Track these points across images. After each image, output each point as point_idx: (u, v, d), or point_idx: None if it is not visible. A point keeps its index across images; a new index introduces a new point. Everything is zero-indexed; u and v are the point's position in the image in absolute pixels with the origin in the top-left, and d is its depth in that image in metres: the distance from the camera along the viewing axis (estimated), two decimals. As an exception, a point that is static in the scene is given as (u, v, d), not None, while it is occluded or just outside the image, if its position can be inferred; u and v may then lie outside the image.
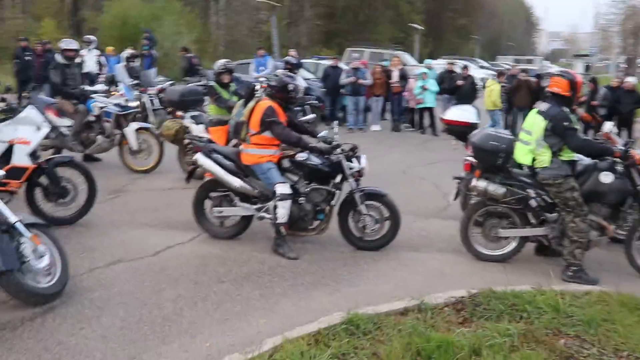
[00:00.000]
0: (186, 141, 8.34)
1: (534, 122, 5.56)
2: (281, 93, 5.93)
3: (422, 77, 14.46)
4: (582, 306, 4.38)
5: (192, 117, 8.55)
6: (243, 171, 5.95)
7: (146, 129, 9.06)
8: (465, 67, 15.76)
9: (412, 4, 48.42)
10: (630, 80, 14.11)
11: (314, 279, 5.22)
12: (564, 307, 4.30)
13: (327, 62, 16.77)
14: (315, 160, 5.87)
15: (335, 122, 6.46)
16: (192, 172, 6.35)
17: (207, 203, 6.20)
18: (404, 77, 14.89)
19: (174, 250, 5.80)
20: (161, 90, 11.41)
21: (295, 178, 5.92)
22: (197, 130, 8.29)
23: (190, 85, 12.55)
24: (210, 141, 6.34)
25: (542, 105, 5.59)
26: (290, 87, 5.95)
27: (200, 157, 5.97)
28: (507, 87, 14.36)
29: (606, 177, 5.45)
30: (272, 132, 5.76)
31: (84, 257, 5.44)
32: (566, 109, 5.42)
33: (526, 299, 4.39)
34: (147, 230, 6.40)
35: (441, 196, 8.65)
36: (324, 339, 3.78)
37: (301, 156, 5.89)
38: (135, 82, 11.29)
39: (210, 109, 8.17)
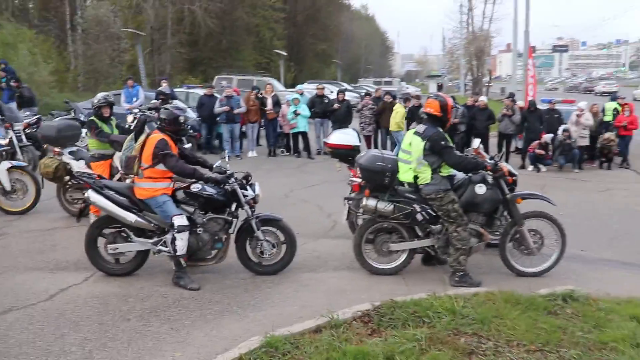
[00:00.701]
0: (67, 178, 8.07)
1: (413, 143, 6.06)
2: (172, 126, 5.96)
3: (295, 103, 14.91)
4: (474, 306, 4.87)
5: (71, 153, 8.25)
6: (137, 206, 5.90)
7: (20, 167, 8.59)
8: (341, 92, 16.38)
9: (273, 30, 49.33)
10: (483, 99, 15.55)
11: (220, 308, 5.29)
12: (459, 309, 4.75)
13: (198, 91, 16.80)
14: (210, 190, 5.96)
15: (226, 152, 6.60)
16: (83, 211, 6.18)
17: (100, 240, 6.06)
18: (277, 103, 15.25)
19: (69, 293, 5.60)
20: (27, 126, 10.85)
21: (190, 209, 5.96)
22: (78, 166, 8.03)
23: (65, 119, 12.04)
24: (100, 177, 6.21)
25: (419, 127, 6.11)
26: (181, 119, 6.01)
27: (91, 194, 5.84)
28: (375, 108, 15.16)
29: (480, 189, 6.07)
30: (166, 164, 5.78)
31: (-30, 309, 5.12)
32: (441, 130, 5.98)
33: (425, 306, 4.79)
34: (35, 274, 6.12)
35: (326, 217, 9.03)
36: (246, 363, 3.90)
37: (196, 187, 5.96)
38: (-1, 117, 10.66)
39: (90, 143, 7.95)
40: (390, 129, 14.91)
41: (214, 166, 6.17)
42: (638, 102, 31.46)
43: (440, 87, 56.58)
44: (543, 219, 6.44)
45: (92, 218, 7.76)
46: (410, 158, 6.11)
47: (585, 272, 6.80)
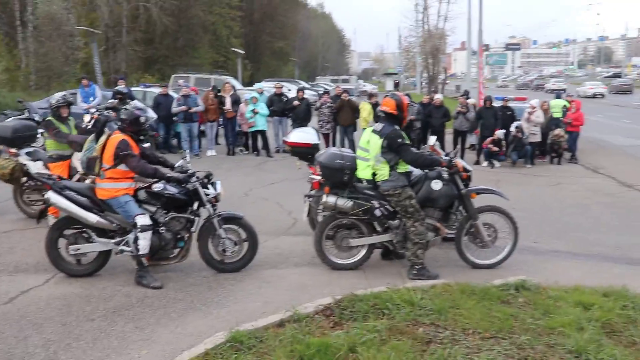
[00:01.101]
0: (24, 179, 7.98)
1: (371, 141, 6.23)
2: (133, 126, 5.98)
3: (253, 101, 14.95)
4: (432, 298, 5.07)
5: (28, 154, 8.13)
6: (99, 206, 5.91)
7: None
8: (300, 90, 16.47)
9: (230, 28, 49.10)
10: (439, 96, 15.90)
11: (184, 306, 5.36)
12: (417, 300, 4.94)
13: (155, 90, 16.67)
14: (171, 189, 6.00)
15: (187, 151, 6.64)
16: (42, 212, 6.15)
17: (61, 242, 6.03)
18: (236, 102, 15.26)
19: (30, 295, 5.57)
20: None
21: (152, 209, 6.00)
22: (35, 167, 7.93)
23: (21, 119, 11.80)
24: (60, 178, 6.18)
25: (377, 125, 6.28)
26: (142, 119, 6.04)
27: (52, 195, 5.81)
28: (333, 106, 15.32)
29: (436, 185, 6.28)
30: (128, 165, 5.80)
31: None
32: (397, 127, 6.16)
33: (385, 298, 4.97)
34: (-7, 277, 6.05)
35: (286, 214, 9.14)
36: (213, 358, 3.99)
37: (158, 186, 5.99)
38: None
39: (48, 144, 7.85)
40: (361, 126, 15.08)
41: (176, 166, 6.22)
42: (582, 99, 32.57)
43: (397, 85, 57.31)
44: (496, 213, 6.70)
45: (51, 219, 7.70)
46: (369, 155, 6.27)
47: (537, 263, 7.09)
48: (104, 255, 6.09)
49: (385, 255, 6.88)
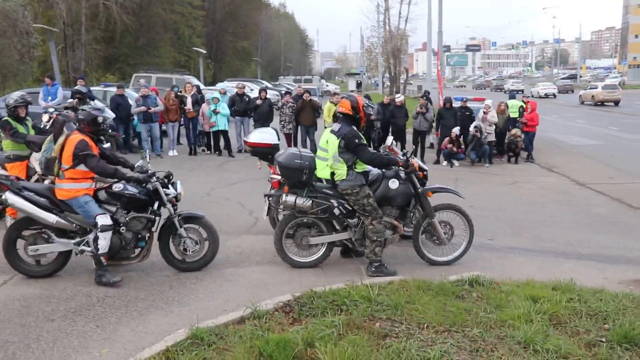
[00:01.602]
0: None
1: (329, 141, 6.35)
2: (91, 126, 5.97)
3: (214, 102, 14.94)
4: (388, 294, 5.21)
5: (-17, 155, 8.01)
6: (58, 206, 5.88)
7: None
8: (263, 90, 16.49)
9: (192, 28, 48.75)
10: (401, 97, 16.16)
11: (145, 304, 5.39)
12: (374, 297, 5.07)
13: (115, 90, 16.49)
14: (132, 189, 6.01)
15: (147, 151, 6.65)
16: (1, 213, 6.08)
17: (20, 242, 5.99)
18: (197, 102, 15.22)
19: (-13, 296, 5.53)
20: None
21: (113, 209, 5.99)
22: (-9, 168, 7.83)
23: None
24: (18, 178, 6.12)
25: (335, 126, 6.41)
26: (100, 119, 6.03)
27: (10, 196, 5.76)
28: (295, 106, 15.39)
29: (393, 184, 6.44)
30: (87, 165, 5.79)
31: None
32: (354, 128, 6.29)
33: (343, 295, 5.08)
34: (-52, 280, 5.97)
35: (248, 213, 9.21)
36: (173, 355, 4.04)
37: (118, 187, 5.99)
38: None
39: (5, 144, 7.75)
40: (326, 126, 15.13)
41: (136, 166, 6.23)
42: (536, 99, 33.60)
43: (359, 85, 57.78)
44: (452, 211, 6.90)
45: (9, 220, 7.62)
46: (327, 155, 6.40)
47: (492, 259, 7.34)
48: (64, 256, 6.07)
49: (344, 253, 7.02)
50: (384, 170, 6.58)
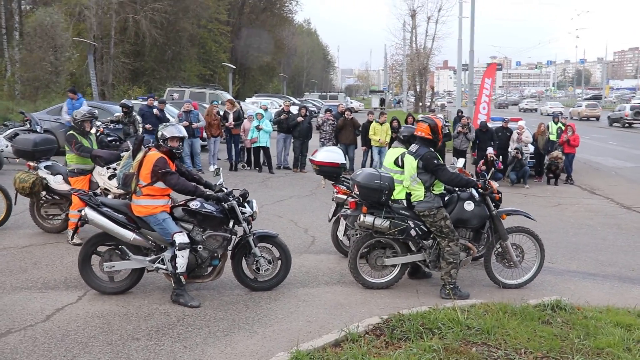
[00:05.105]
0: (43, 193, 7.90)
1: (406, 161, 6.31)
2: (170, 144, 5.94)
3: (258, 117, 14.95)
4: (475, 317, 5.11)
5: (46, 167, 8.03)
6: (135, 223, 5.86)
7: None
8: (303, 107, 16.50)
9: (218, 43, 49.11)
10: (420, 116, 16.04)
11: (226, 325, 5.32)
12: (463, 320, 4.97)
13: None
14: (209, 207, 5.97)
15: (220, 169, 6.62)
16: (77, 229, 6.08)
17: (94, 258, 5.97)
18: (238, 118, 15.24)
19: (66, 312, 5.49)
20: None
21: (189, 226, 5.96)
22: (55, 181, 7.86)
23: (40, 133, 11.69)
24: (96, 194, 6.11)
25: (412, 147, 6.36)
26: (180, 136, 6.01)
27: (89, 212, 5.74)
28: (335, 124, 15.37)
29: (468, 206, 6.37)
30: (167, 183, 5.77)
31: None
32: (432, 149, 6.24)
33: (431, 318, 5.00)
34: (24, 294, 5.94)
35: (303, 232, 9.14)
36: (279, 379, 3.98)
37: (195, 204, 5.95)
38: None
39: (69, 158, 7.75)
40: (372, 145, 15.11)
41: (217, 184, 6.20)
42: (544, 116, 33.66)
43: (382, 102, 57.79)
44: (524, 234, 6.80)
45: (70, 234, 7.64)
46: (402, 177, 6.33)
47: (557, 282, 7.23)
48: (137, 273, 6.03)
49: (412, 275, 6.93)
50: (458, 192, 6.51)
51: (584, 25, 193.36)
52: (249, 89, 53.24)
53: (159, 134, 5.97)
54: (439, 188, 6.29)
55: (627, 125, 39.56)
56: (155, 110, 14.36)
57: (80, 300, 5.84)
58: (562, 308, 5.65)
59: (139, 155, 5.95)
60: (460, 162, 7.07)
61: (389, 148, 8.27)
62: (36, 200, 8.06)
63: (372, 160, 15.20)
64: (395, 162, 6.98)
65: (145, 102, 15.58)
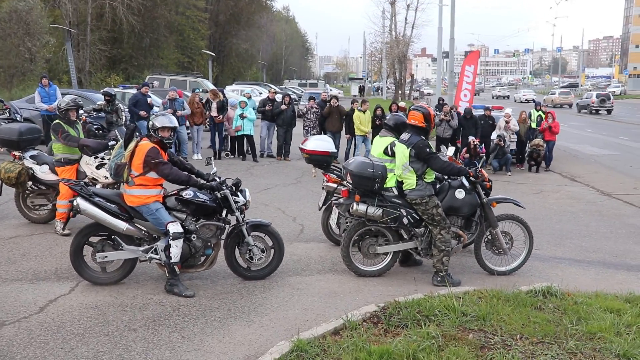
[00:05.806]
0: (29, 183, 7.79)
1: (397, 150, 6.33)
2: (161, 133, 5.88)
3: (242, 105, 14.87)
4: (469, 304, 5.18)
5: (32, 157, 7.90)
6: (127, 213, 5.81)
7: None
8: (287, 95, 16.39)
9: (196, 30, 48.66)
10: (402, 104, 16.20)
11: (222, 314, 5.32)
12: (458, 307, 5.04)
13: (133, 92, 16.41)
14: (202, 197, 5.94)
15: (211, 158, 6.59)
16: (68, 219, 6.00)
17: (86, 249, 5.91)
18: (222, 108, 15.13)
19: (59, 304, 5.44)
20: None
21: (182, 216, 5.92)
22: (41, 171, 7.75)
23: (21, 122, 11.48)
24: (87, 184, 6.03)
25: (404, 135, 6.38)
26: (171, 126, 5.95)
27: (81, 202, 5.67)
28: (320, 112, 15.31)
29: (459, 194, 6.42)
30: (160, 173, 5.72)
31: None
32: (424, 137, 6.28)
33: (427, 305, 5.05)
34: (15, 286, 5.88)
35: (291, 220, 9.14)
36: (282, 368, 4.00)
37: (188, 193, 5.92)
38: None
39: (55, 147, 7.63)
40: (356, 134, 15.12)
41: (211, 173, 6.17)
42: (519, 104, 34.09)
43: (362, 89, 57.79)
44: (513, 221, 6.89)
45: (58, 224, 7.55)
46: (393, 165, 6.36)
47: (544, 269, 7.34)
48: (130, 263, 5.99)
49: (403, 262, 6.98)
50: (449, 180, 6.56)
51: (564, 14, 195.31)
52: (227, 76, 52.89)
53: (150, 124, 5.91)
54: (430, 176, 6.33)
55: (593, 112, 41.37)
56: (149, 100, 14.21)
57: (73, 291, 5.79)
58: (553, 294, 5.74)
59: (131, 145, 5.88)
60: (451, 150, 7.12)
61: (373, 136, 8.30)
62: (22, 191, 7.94)
63: (355, 147, 15.23)
64: (385, 152, 6.99)
65: (132, 90, 15.42)
